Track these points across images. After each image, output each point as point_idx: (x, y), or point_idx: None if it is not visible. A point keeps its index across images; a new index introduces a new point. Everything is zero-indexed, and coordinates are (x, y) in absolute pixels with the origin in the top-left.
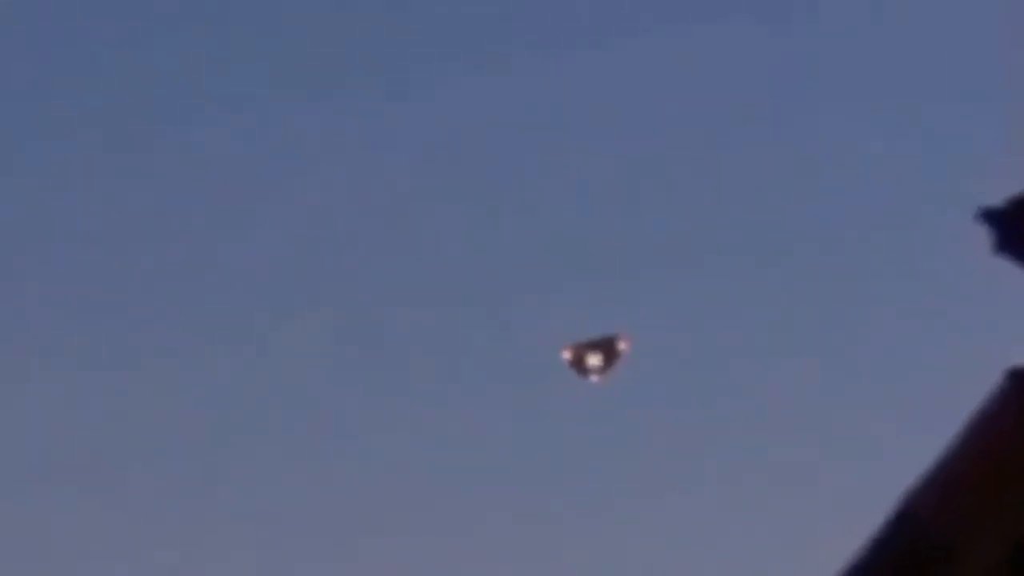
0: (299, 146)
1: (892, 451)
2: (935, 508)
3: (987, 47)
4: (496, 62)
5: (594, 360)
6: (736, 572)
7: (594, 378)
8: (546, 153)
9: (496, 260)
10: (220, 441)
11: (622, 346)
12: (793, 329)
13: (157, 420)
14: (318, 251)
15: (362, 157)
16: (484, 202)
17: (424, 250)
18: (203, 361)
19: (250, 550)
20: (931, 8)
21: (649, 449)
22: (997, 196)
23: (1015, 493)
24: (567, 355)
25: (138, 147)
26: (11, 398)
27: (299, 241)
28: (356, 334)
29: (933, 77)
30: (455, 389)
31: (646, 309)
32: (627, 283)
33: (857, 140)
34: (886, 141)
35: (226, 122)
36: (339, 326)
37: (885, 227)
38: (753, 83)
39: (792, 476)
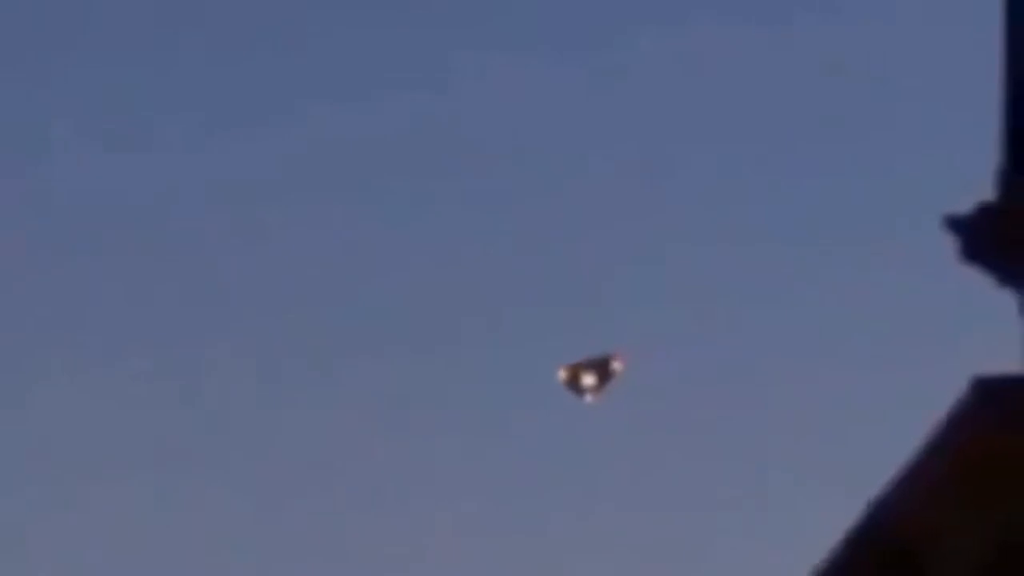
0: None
1: (861, 456)
2: (904, 512)
3: (955, 58)
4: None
5: (588, 380)
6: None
7: (589, 397)
8: (544, 168)
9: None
10: None
11: (616, 366)
12: (771, 338)
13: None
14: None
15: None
16: (482, 224)
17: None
18: None
19: None
20: (902, 20)
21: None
22: (964, 204)
23: (982, 498)
24: (562, 375)
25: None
26: None
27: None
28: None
29: (904, 87)
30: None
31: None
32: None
33: (822, 148)
34: (854, 150)
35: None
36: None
37: (855, 236)
38: (734, 97)
39: (770, 479)
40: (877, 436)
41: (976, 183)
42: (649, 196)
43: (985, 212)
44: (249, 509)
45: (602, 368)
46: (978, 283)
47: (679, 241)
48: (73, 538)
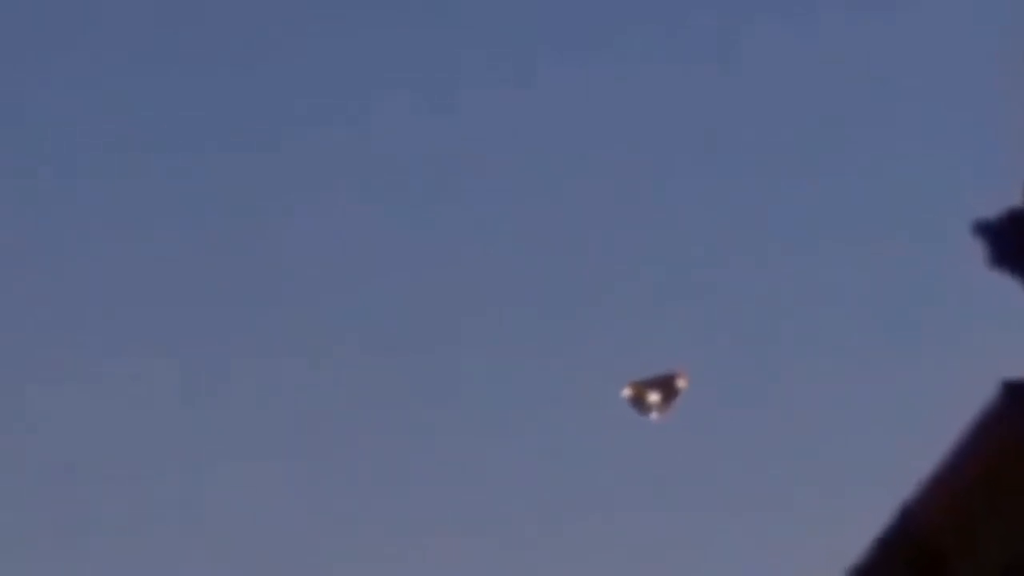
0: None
1: (893, 460)
2: (933, 515)
3: (983, 63)
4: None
5: (654, 397)
6: (749, 570)
7: (654, 415)
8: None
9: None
10: None
11: (681, 383)
12: (803, 343)
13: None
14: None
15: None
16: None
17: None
18: None
19: None
20: (929, 22)
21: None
22: (993, 208)
23: (1010, 501)
24: (627, 392)
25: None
26: None
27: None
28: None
29: (930, 93)
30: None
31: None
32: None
33: (858, 153)
34: (887, 157)
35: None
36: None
37: (886, 241)
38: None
39: (803, 481)
40: (908, 439)
41: (1006, 189)
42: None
43: (1014, 217)
44: (272, 506)
45: (667, 385)
46: (1007, 287)
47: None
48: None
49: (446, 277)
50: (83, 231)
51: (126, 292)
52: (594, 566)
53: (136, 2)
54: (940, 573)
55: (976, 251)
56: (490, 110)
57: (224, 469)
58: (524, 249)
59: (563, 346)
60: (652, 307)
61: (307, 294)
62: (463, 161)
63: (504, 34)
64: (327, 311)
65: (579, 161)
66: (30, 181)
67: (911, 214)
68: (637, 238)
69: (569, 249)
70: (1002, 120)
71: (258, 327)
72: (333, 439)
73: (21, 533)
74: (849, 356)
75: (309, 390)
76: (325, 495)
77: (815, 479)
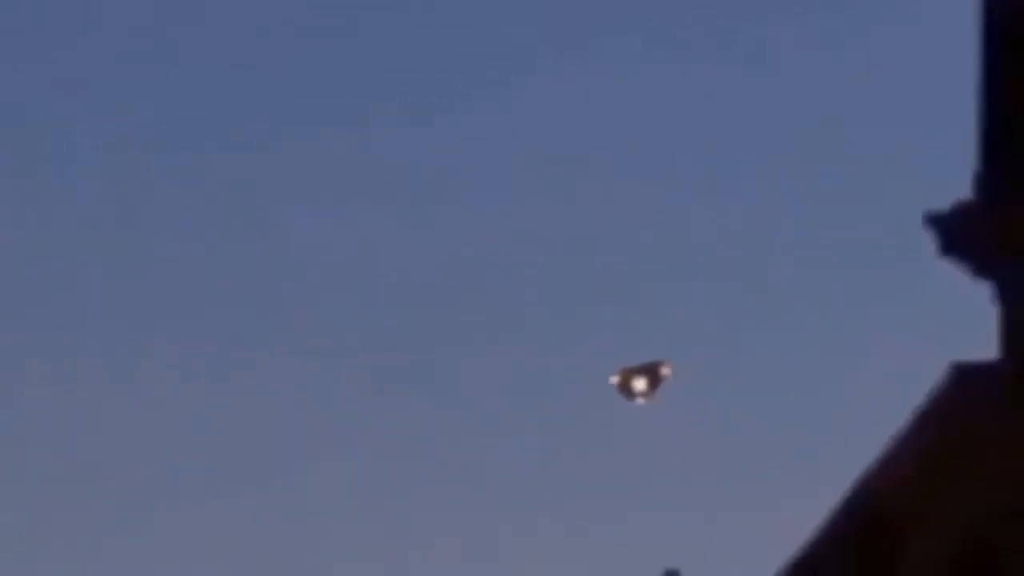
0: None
1: (847, 439)
2: (888, 489)
3: (937, 73)
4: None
5: (640, 385)
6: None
7: (640, 401)
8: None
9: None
10: None
11: (666, 371)
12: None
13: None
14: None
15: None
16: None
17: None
18: None
19: None
20: (885, 27)
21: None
22: (943, 202)
23: (960, 475)
24: (614, 380)
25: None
26: None
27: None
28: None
29: (887, 94)
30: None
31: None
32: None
33: (812, 151)
34: (842, 158)
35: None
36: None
37: (843, 234)
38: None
39: (768, 463)
40: (862, 418)
41: (954, 183)
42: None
43: (962, 210)
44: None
45: (653, 373)
46: (955, 275)
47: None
48: None
49: (444, 275)
50: (83, 231)
51: (126, 292)
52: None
53: (136, 2)
54: (895, 543)
55: (927, 241)
56: (485, 114)
57: (222, 469)
58: (519, 247)
59: (560, 344)
60: (642, 299)
61: (306, 292)
62: (460, 162)
63: (501, 35)
64: (326, 309)
65: (572, 161)
66: (30, 181)
67: (866, 207)
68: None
69: (567, 248)
70: (953, 121)
71: (258, 325)
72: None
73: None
74: (811, 341)
75: (309, 387)
76: (321, 495)
77: (778, 460)
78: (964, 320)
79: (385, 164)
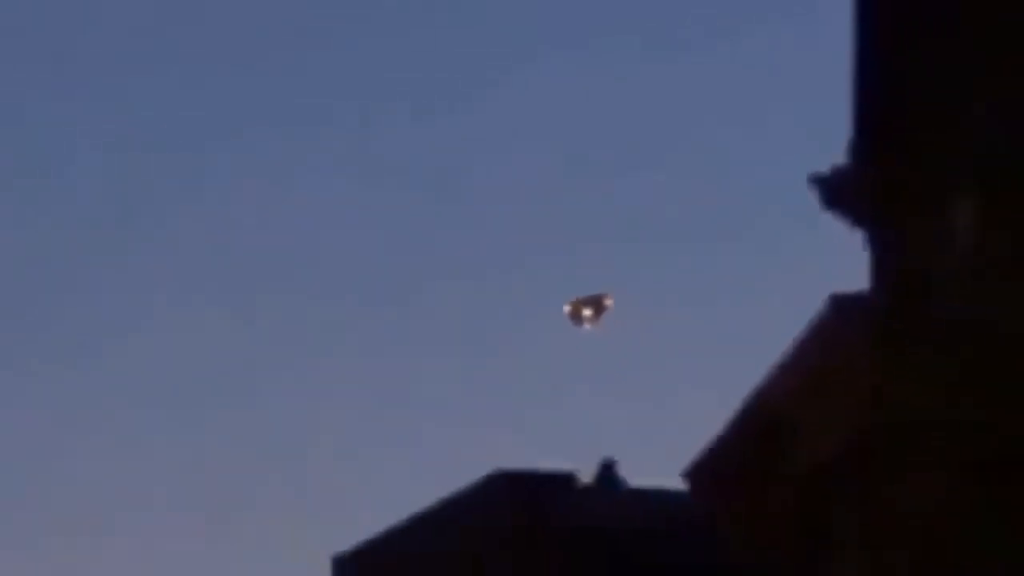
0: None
1: (750, 356)
2: (777, 399)
3: (818, 58)
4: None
5: (587, 312)
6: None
7: (587, 326)
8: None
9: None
10: None
11: (608, 302)
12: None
13: None
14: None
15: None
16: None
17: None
18: None
19: None
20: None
21: None
22: (824, 164)
23: (838, 386)
24: (566, 309)
25: None
26: None
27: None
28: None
29: (778, 74)
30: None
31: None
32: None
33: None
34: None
35: None
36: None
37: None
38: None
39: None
40: (763, 339)
41: (834, 151)
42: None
43: (840, 172)
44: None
45: (597, 303)
46: (836, 226)
47: None
48: None
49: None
50: (83, 231)
51: (125, 291)
52: None
53: (136, 2)
54: (788, 439)
55: (813, 198)
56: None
57: None
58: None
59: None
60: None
61: (306, 292)
62: (460, 161)
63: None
64: (326, 307)
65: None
66: (30, 181)
67: (766, 172)
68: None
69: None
70: (833, 100)
71: (259, 322)
72: None
73: None
74: (725, 279)
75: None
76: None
77: (699, 370)
78: (842, 261)
79: (385, 163)
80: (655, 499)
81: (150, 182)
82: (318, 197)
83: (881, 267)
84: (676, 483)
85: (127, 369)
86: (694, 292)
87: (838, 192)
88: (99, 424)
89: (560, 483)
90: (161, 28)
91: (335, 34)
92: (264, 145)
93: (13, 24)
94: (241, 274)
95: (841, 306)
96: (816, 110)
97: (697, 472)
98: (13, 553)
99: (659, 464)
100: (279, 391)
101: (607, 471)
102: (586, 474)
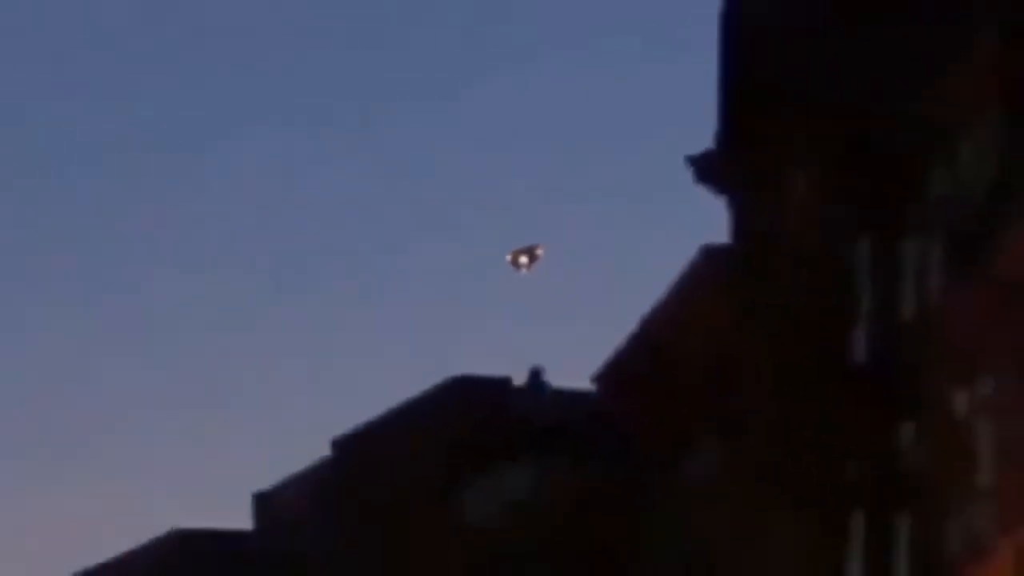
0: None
1: (637, 291)
2: (663, 324)
3: (688, 61)
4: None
5: (523, 259)
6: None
7: (523, 271)
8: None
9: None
10: None
11: (539, 252)
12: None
13: None
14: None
15: None
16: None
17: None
18: None
19: None
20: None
21: None
22: (698, 147)
23: (705, 328)
24: (508, 257)
25: None
26: None
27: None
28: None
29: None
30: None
31: None
32: None
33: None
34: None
35: None
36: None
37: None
38: None
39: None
40: (645, 281)
41: (704, 137)
42: None
43: (708, 154)
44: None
45: (531, 253)
46: (705, 195)
47: None
48: None
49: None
50: (83, 230)
51: (125, 290)
52: None
53: (136, 2)
54: (668, 361)
55: (688, 174)
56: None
57: None
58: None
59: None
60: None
61: (308, 291)
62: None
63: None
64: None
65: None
66: (30, 181)
67: (652, 152)
68: None
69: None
70: (705, 96)
71: (260, 321)
72: None
73: None
74: (628, 234)
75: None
76: None
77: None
78: (710, 221)
79: (385, 162)
80: (573, 399)
81: (150, 182)
82: (318, 197)
83: (739, 226)
84: (588, 386)
85: (127, 369)
86: (607, 244)
87: (707, 169)
88: None
89: (499, 386)
90: (161, 28)
91: (335, 34)
92: (264, 145)
93: (13, 24)
94: (242, 274)
95: (709, 254)
96: (693, 106)
97: (603, 378)
98: None
99: (577, 372)
100: (285, 327)
101: (536, 377)
102: (519, 379)
